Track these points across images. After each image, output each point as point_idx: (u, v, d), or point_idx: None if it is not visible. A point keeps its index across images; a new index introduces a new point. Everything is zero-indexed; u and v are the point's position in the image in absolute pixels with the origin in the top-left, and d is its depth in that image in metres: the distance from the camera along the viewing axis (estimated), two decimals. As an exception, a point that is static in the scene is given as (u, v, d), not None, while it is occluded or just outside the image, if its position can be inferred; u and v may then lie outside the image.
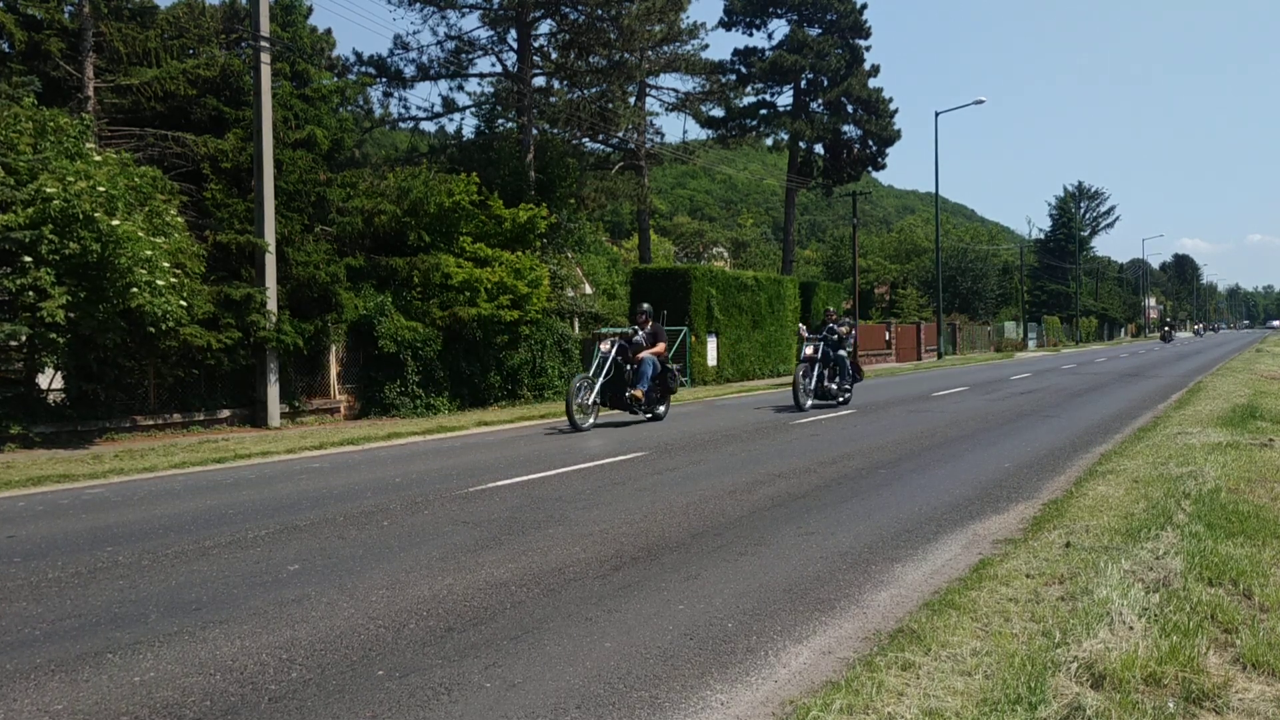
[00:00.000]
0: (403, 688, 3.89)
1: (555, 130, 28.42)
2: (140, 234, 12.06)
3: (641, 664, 4.15)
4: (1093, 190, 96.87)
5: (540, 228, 20.57)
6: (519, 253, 19.42)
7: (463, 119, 64.59)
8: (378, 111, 27.79)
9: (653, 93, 36.21)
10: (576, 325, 29.49)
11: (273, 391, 15.25)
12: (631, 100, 33.08)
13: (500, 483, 9.09)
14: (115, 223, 11.67)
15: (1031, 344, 64.40)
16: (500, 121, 28.56)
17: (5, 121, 12.00)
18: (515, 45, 26.74)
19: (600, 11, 26.10)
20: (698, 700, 3.78)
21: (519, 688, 3.88)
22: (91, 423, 13.07)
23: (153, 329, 12.64)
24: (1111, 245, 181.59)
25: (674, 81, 58.63)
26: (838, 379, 17.67)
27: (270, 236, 15.13)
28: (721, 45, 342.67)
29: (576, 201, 27.48)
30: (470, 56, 27.84)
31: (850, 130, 43.76)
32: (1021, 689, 3.61)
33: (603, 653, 4.29)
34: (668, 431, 13.74)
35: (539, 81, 27.82)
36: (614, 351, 14.70)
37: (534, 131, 26.18)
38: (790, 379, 21.16)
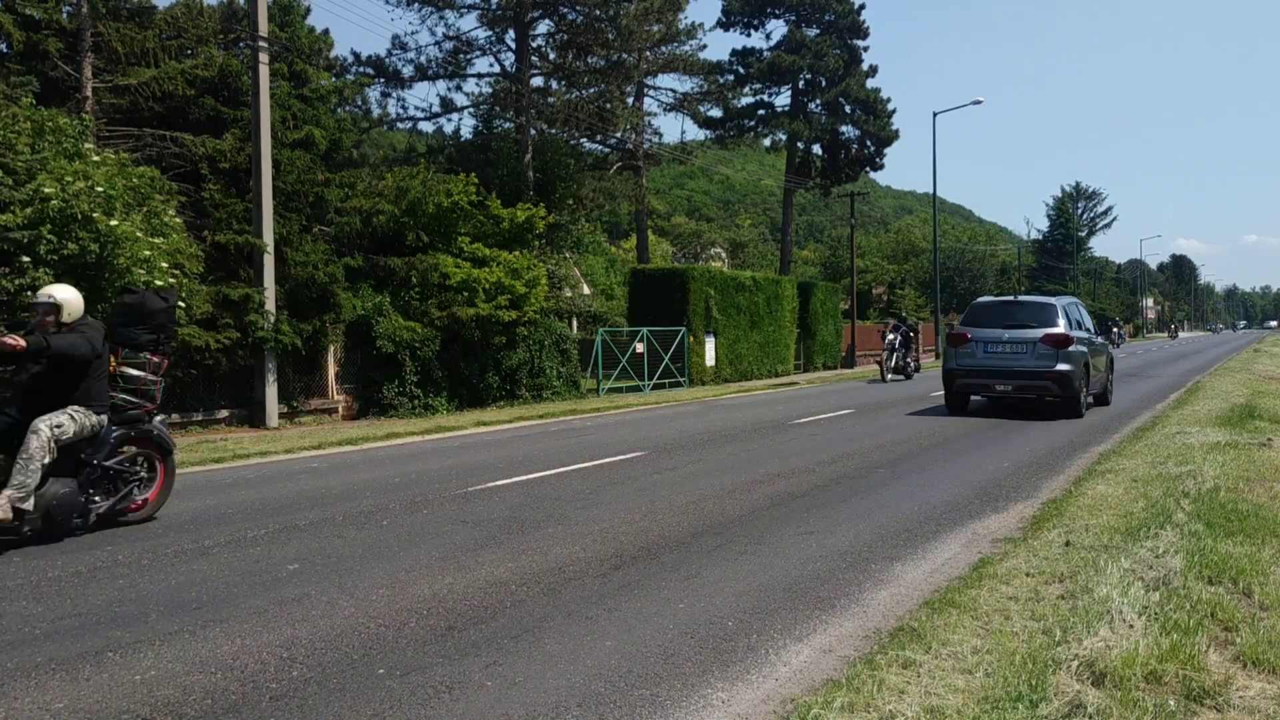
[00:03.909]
0: (403, 686, 3.88)
1: (553, 130, 28.43)
2: (138, 234, 12.05)
3: (642, 662, 4.15)
4: (1090, 190, 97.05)
5: (538, 228, 20.58)
6: (517, 253, 19.42)
7: (461, 119, 64.46)
8: (376, 112, 27.83)
9: (651, 93, 36.26)
10: (575, 325, 29.54)
11: (271, 392, 15.24)
12: (629, 101, 33.09)
13: (499, 482, 9.09)
14: (113, 223, 11.65)
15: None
16: (498, 122, 28.58)
17: (3, 121, 11.98)
18: (513, 45, 26.75)
19: (598, 12, 26.13)
20: (699, 699, 3.78)
21: (520, 686, 3.88)
22: (90, 423, 13.04)
23: (151, 329, 12.61)
24: (1109, 246, 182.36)
25: (672, 82, 58.74)
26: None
27: (268, 237, 15.12)
28: (719, 46, 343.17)
29: (575, 202, 27.50)
30: (468, 57, 27.89)
31: (848, 130, 43.81)
32: (1023, 687, 3.62)
33: (603, 651, 4.29)
34: (666, 431, 13.75)
35: (537, 82, 27.84)
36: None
37: (532, 132, 26.19)
38: (787, 379, 21.27)
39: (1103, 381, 16.95)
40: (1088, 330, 16.32)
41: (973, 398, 16.29)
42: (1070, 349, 14.66)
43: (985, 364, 15.15)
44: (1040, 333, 14.73)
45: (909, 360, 26.84)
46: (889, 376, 25.85)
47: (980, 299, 16.99)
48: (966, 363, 15.39)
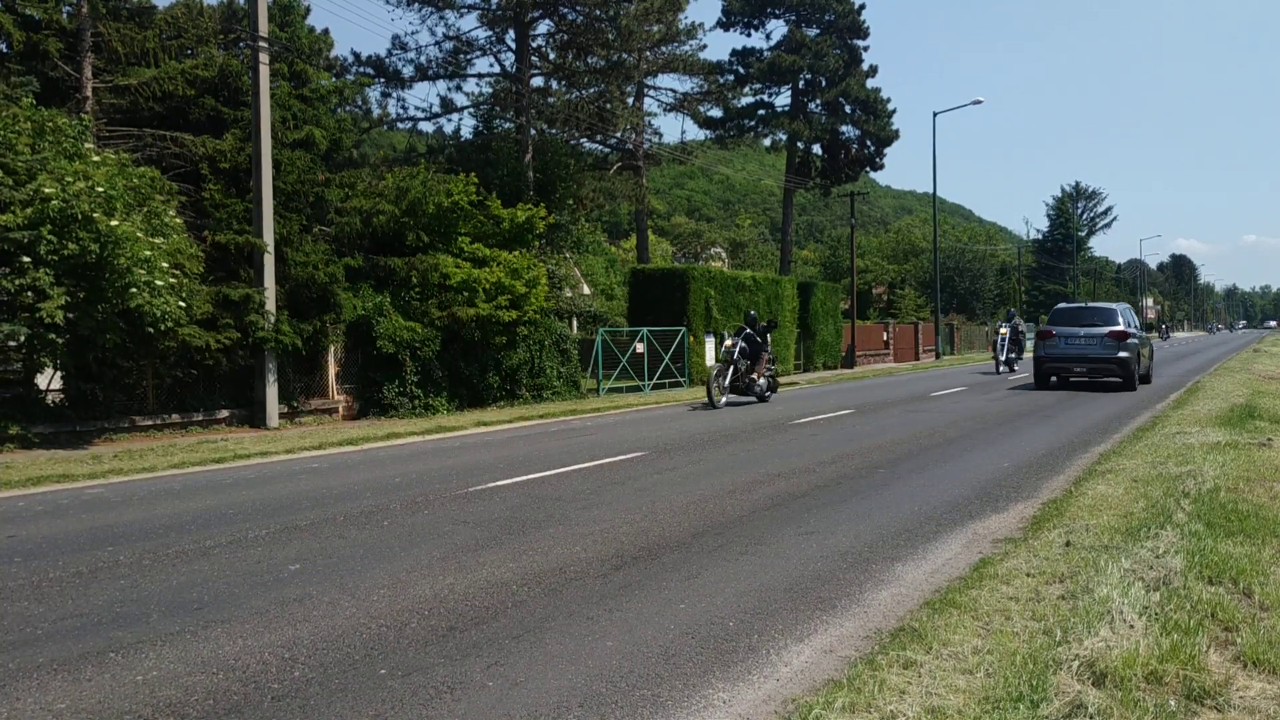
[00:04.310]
0: (405, 686, 3.89)
1: (553, 130, 28.44)
2: (139, 234, 12.05)
3: (644, 663, 4.16)
4: (1090, 190, 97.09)
5: (539, 228, 20.57)
6: (517, 253, 19.41)
7: (461, 119, 64.41)
8: (376, 112, 27.82)
9: (651, 93, 36.26)
10: (575, 325, 29.52)
11: (271, 392, 15.24)
12: (629, 101, 33.09)
13: (500, 482, 9.09)
14: (114, 223, 11.65)
15: (1030, 344, 64.34)
16: (498, 122, 28.58)
17: (4, 122, 11.98)
18: (513, 46, 26.75)
19: (598, 12, 26.14)
20: (700, 699, 3.79)
21: (521, 686, 3.89)
22: (90, 423, 13.05)
23: (151, 329, 12.63)
24: (1109, 246, 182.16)
25: (672, 82, 58.71)
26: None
27: (269, 237, 15.12)
28: (719, 46, 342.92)
29: (575, 202, 27.50)
30: (468, 57, 27.89)
31: (848, 130, 43.82)
32: (1023, 687, 3.62)
33: (605, 651, 4.30)
34: (666, 431, 13.75)
35: (537, 82, 27.84)
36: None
37: (532, 132, 26.20)
38: (787, 379, 21.30)
39: (1147, 365, 22.47)
40: (1137, 328, 21.34)
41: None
42: (1128, 341, 20.07)
43: (1066, 352, 20.53)
44: (1107, 329, 20.10)
45: (755, 375, 18.80)
46: (721, 399, 17.85)
47: (1060, 305, 22.98)
48: (1052, 352, 20.78)
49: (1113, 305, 21.34)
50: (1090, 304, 22.46)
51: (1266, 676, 3.81)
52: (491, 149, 25.39)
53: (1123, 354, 19.87)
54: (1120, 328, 20.05)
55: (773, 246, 68.89)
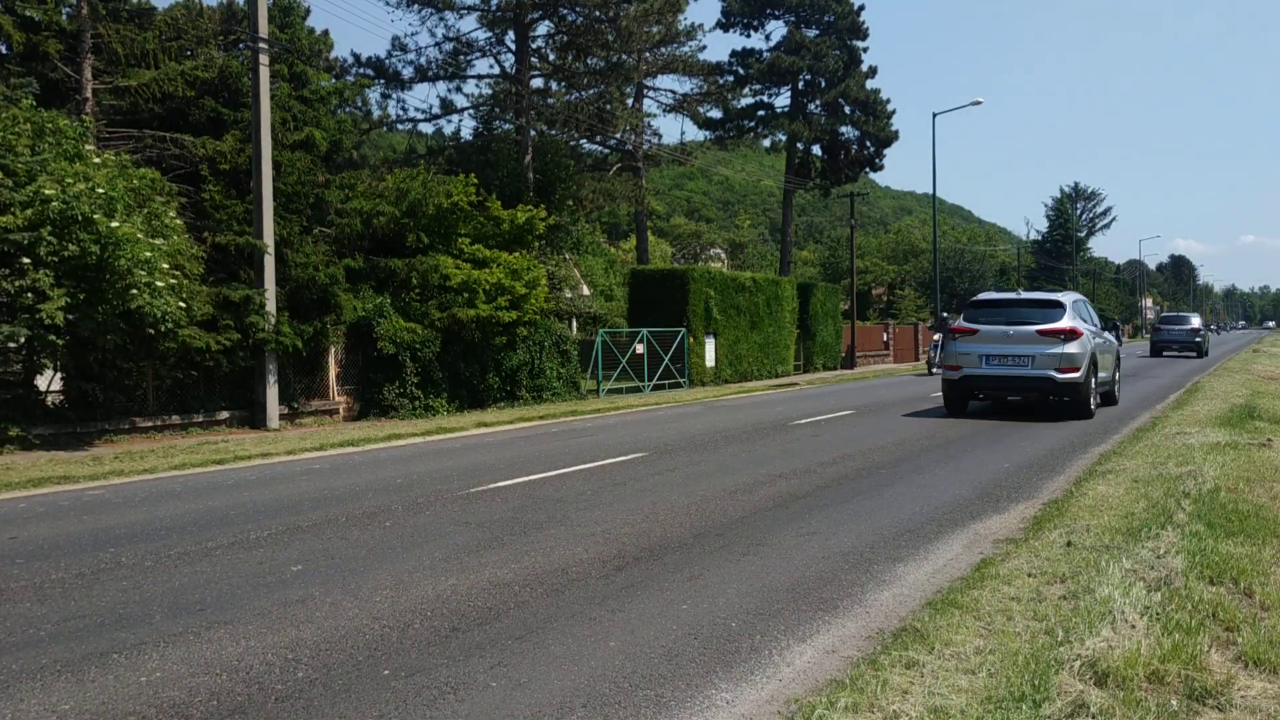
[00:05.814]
0: (409, 687, 3.90)
1: (553, 131, 28.43)
2: (139, 236, 12.05)
3: (646, 663, 4.17)
4: (1090, 191, 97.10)
5: (538, 229, 20.57)
6: (517, 254, 19.42)
7: (461, 120, 64.25)
8: (376, 113, 27.81)
9: (650, 94, 36.27)
10: (575, 326, 29.52)
11: (271, 393, 15.23)
12: (629, 102, 33.10)
13: (501, 483, 9.10)
14: (114, 224, 11.65)
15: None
16: (498, 123, 28.58)
17: (4, 123, 11.99)
18: (513, 47, 26.76)
19: (598, 13, 26.15)
20: (703, 699, 3.80)
21: (525, 687, 3.89)
22: (90, 424, 13.05)
23: (152, 330, 12.63)
24: (1108, 246, 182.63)
25: (672, 83, 58.89)
26: None
27: (269, 238, 15.12)
28: (719, 47, 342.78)
29: (574, 203, 27.51)
30: (468, 58, 27.90)
31: (848, 131, 43.83)
32: (1025, 687, 3.63)
33: (607, 652, 4.31)
34: (667, 432, 13.76)
35: (537, 83, 27.85)
36: None
37: (532, 133, 26.20)
38: (787, 380, 21.12)
39: (1206, 346, 41.56)
40: (1204, 326, 41.40)
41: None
42: (1201, 333, 40.72)
43: (1168, 338, 40.97)
44: (1190, 326, 41.08)
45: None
46: None
47: (1164, 314, 53.36)
48: (1161, 337, 41.35)
49: (1194, 315, 42.09)
50: (1179, 313, 43.53)
51: (1268, 676, 3.82)
52: (491, 150, 25.39)
53: (1198, 339, 40.06)
54: (1196, 325, 40.78)
55: (772, 247, 68.90)
